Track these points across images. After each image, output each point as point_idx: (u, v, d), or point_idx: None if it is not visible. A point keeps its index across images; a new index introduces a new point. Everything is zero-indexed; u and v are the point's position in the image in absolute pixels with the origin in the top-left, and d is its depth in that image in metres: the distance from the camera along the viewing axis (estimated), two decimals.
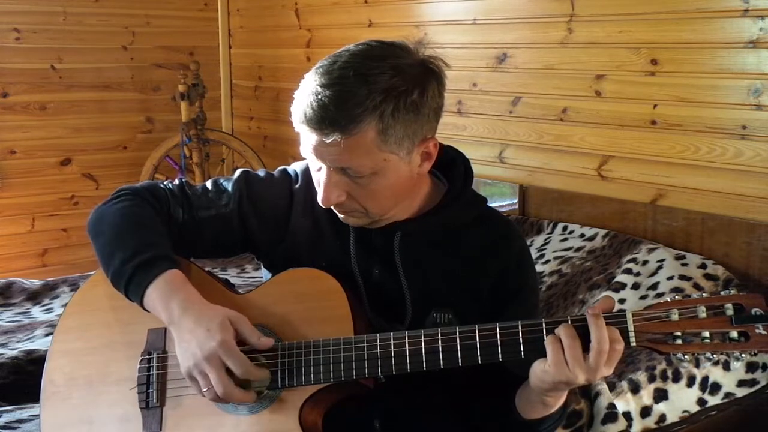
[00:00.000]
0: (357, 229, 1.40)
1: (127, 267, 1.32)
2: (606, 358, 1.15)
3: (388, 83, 1.23)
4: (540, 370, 1.20)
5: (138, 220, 1.38)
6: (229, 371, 1.25)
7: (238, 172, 1.49)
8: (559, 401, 1.28)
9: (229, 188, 1.46)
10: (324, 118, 1.22)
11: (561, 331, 1.18)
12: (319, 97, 1.22)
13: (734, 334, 1.14)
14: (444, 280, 1.39)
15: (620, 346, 1.16)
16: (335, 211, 1.35)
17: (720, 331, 1.15)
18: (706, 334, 1.15)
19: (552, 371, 1.18)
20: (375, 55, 1.27)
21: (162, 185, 1.48)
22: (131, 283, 1.31)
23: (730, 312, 1.15)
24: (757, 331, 1.14)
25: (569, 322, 1.19)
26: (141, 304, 1.32)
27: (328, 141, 1.23)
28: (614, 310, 1.20)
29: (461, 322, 1.34)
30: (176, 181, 1.50)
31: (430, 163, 1.35)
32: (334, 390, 1.30)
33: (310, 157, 1.30)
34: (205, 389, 1.25)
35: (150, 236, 1.36)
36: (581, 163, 2.79)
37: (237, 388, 1.25)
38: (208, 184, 1.49)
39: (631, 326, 1.17)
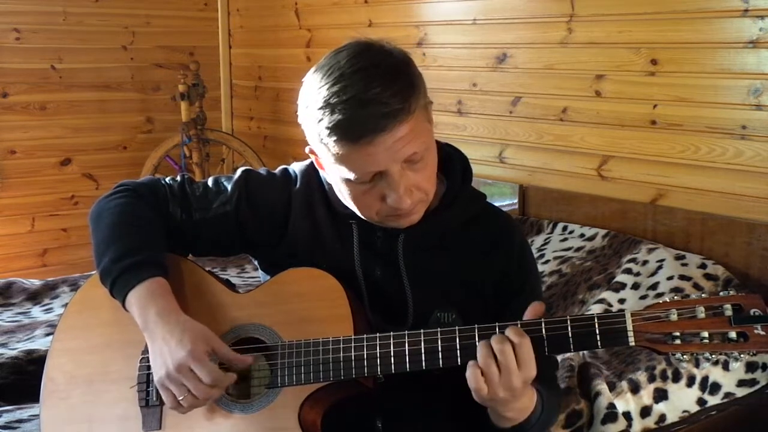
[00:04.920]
0: (360, 232, 1.39)
1: (114, 267, 1.34)
2: (512, 366, 1.17)
3: (401, 60, 1.25)
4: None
5: (134, 221, 1.39)
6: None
7: (239, 171, 1.48)
8: (521, 413, 1.26)
9: (229, 188, 1.45)
10: (390, 114, 1.18)
11: (480, 350, 1.19)
12: (373, 99, 1.17)
13: (733, 334, 1.14)
14: (447, 280, 1.39)
15: (517, 339, 1.17)
16: (398, 215, 1.29)
17: (719, 331, 1.15)
18: (705, 334, 1.15)
19: (477, 397, 1.20)
20: (369, 46, 1.26)
21: (163, 182, 1.48)
22: (116, 283, 1.34)
23: (729, 312, 1.15)
24: (756, 331, 1.14)
25: (518, 325, 1.20)
26: (123, 305, 1.34)
27: (400, 134, 1.20)
28: (614, 310, 1.20)
29: (465, 320, 1.34)
30: (178, 178, 1.49)
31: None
32: (334, 389, 1.30)
33: (364, 172, 1.23)
34: (181, 397, 1.27)
35: (143, 238, 1.37)
36: (581, 163, 2.79)
37: (213, 390, 1.27)
38: (210, 182, 1.49)
39: (630, 326, 1.18)
